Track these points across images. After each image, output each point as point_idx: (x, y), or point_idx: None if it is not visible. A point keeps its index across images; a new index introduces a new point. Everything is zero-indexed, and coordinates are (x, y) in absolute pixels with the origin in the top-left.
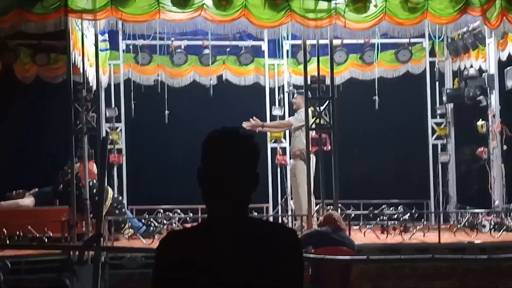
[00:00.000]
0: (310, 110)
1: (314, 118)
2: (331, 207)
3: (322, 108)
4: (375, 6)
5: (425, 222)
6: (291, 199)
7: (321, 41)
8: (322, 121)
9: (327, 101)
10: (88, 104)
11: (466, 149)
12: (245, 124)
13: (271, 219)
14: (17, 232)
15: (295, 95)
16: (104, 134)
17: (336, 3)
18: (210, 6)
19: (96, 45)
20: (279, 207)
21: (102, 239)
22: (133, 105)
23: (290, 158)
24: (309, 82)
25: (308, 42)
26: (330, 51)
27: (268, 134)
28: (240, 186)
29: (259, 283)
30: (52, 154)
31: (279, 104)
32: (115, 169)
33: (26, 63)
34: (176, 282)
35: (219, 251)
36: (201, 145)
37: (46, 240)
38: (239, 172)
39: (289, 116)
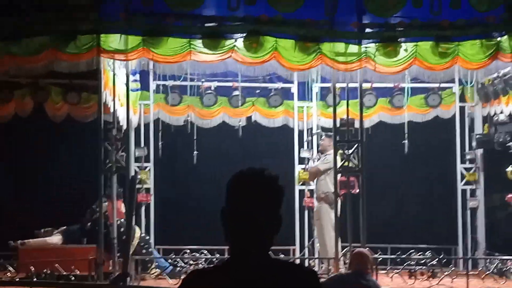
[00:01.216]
0: (338, 153)
1: (343, 161)
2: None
3: (350, 151)
4: (405, 50)
5: (453, 268)
6: (317, 242)
7: (351, 84)
8: (350, 164)
9: (356, 144)
10: (118, 144)
11: (495, 195)
12: None
13: (297, 261)
14: (44, 270)
15: (323, 137)
16: (133, 173)
17: (366, 47)
18: (241, 48)
19: (127, 85)
20: (306, 249)
21: (128, 278)
22: (160, 145)
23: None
24: (338, 125)
25: (338, 85)
26: (360, 94)
27: (296, 175)
28: (263, 226)
29: None
30: (81, 192)
31: (307, 146)
32: (143, 208)
33: (57, 102)
34: None
35: None
36: (226, 185)
37: (73, 278)
38: (263, 212)
39: (317, 157)
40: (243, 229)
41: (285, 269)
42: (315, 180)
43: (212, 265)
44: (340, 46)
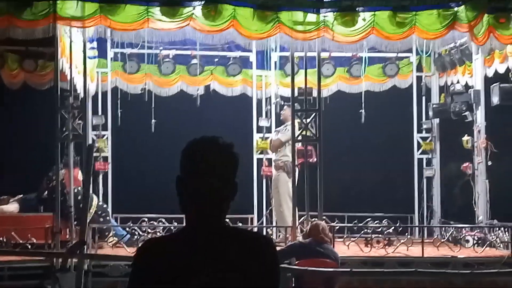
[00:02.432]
0: (296, 122)
1: (301, 130)
2: (316, 219)
3: (308, 120)
4: (364, 20)
5: (409, 236)
6: (274, 210)
7: (309, 54)
8: (308, 133)
9: (314, 114)
10: (75, 112)
11: (451, 164)
12: None
13: (255, 229)
14: (1, 238)
15: (284, 107)
16: (90, 141)
17: (324, 16)
18: (199, 16)
19: (84, 52)
20: (264, 218)
21: (85, 246)
22: (119, 113)
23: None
24: (296, 94)
25: (296, 54)
26: (318, 63)
27: (254, 144)
28: (218, 194)
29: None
30: (37, 160)
31: (266, 116)
32: (101, 177)
33: (13, 69)
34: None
35: (196, 258)
36: (181, 153)
37: (29, 246)
38: (218, 179)
39: (275, 127)
40: (198, 197)
41: (241, 236)
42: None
43: (168, 234)
44: (298, 15)
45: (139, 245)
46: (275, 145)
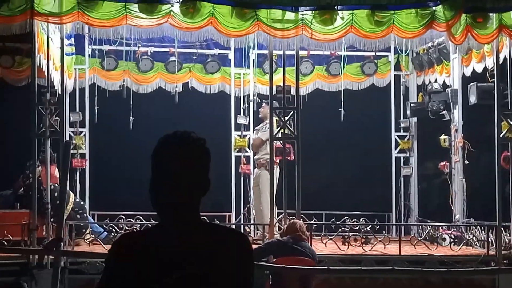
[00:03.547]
0: (275, 119)
1: (279, 128)
2: (294, 217)
3: (287, 118)
4: (342, 18)
5: (386, 234)
6: (253, 208)
7: (288, 52)
8: (286, 131)
9: (292, 111)
10: (52, 108)
11: (429, 163)
12: None
13: (233, 227)
14: None
15: (263, 105)
16: (67, 138)
17: (303, 14)
18: (178, 13)
19: (61, 49)
20: (242, 216)
21: (62, 243)
22: (96, 110)
23: (255, 167)
24: (274, 92)
25: (275, 52)
26: (296, 61)
27: (233, 142)
28: (190, 189)
29: (209, 285)
30: (13, 157)
31: (244, 113)
32: (78, 174)
33: None
34: (126, 283)
35: (170, 253)
36: (154, 148)
37: (5, 243)
38: (190, 175)
39: (254, 125)
40: (170, 192)
41: (217, 232)
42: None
43: (143, 229)
44: (277, 13)
45: (115, 240)
46: (256, 144)
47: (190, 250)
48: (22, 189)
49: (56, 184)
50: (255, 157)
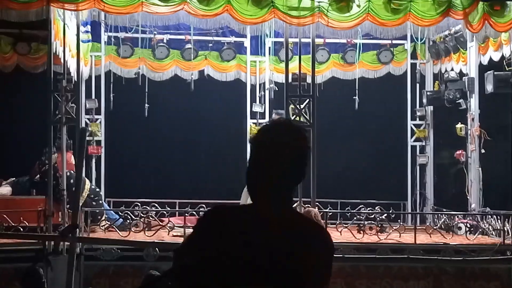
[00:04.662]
0: (290, 107)
1: (294, 115)
2: (309, 205)
3: (302, 106)
4: (358, 6)
5: (401, 223)
6: None
7: (303, 40)
8: (302, 119)
9: (308, 99)
10: (68, 95)
11: (445, 152)
12: None
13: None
14: None
15: (273, 115)
16: (83, 125)
17: (319, 2)
18: (193, 0)
19: (77, 36)
20: None
21: (78, 230)
22: (112, 98)
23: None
24: (290, 79)
25: (291, 40)
26: (312, 49)
27: (248, 130)
28: (286, 177)
29: (286, 271)
30: (30, 143)
31: (260, 101)
32: (94, 160)
33: (6, 51)
34: (203, 249)
35: (253, 235)
36: (255, 133)
37: (21, 229)
38: (287, 163)
39: (269, 113)
40: (266, 177)
41: (301, 222)
42: None
43: (236, 206)
44: (293, 1)
45: (207, 210)
46: None
47: (273, 236)
48: (38, 175)
49: (72, 171)
50: None
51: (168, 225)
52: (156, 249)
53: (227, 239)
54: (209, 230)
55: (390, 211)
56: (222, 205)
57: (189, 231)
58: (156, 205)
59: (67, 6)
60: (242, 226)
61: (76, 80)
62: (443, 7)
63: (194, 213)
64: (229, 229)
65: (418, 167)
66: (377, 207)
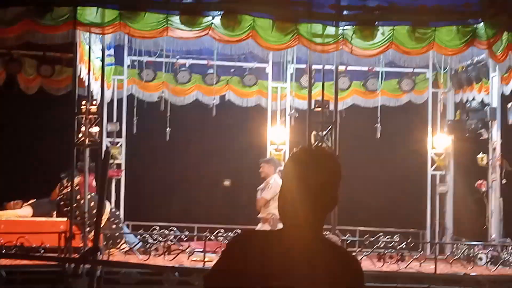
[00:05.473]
0: (312, 134)
1: (316, 142)
2: (329, 232)
3: (324, 132)
4: (382, 34)
5: (422, 252)
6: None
7: (326, 67)
8: (324, 146)
9: (330, 126)
10: (92, 118)
11: (465, 181)
12: None
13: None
14: (14, 242)
15: (261, 164)
16: (104, 148)
17: (343, 29)
18: (218, 25)
19: (102, 59)
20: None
21: (99, 253)
22: (135, 121)
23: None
24: (312, 106)
25: (313, 67)
26: (336, 76)
27: (268, 155)
28: (317, 203)
29: None
30: (51, 165)
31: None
32: (114, 183)
33: (30, 73)
34: (232, 274)
35: (283, 261)
36: (288, 159)
37: (42, 251)
38: (319, 189)
39: (289, 140)
40: (298, 203)
41: (332, 251)
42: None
43: (266, 230)
44: (317, 28)
45: (238, 233)
46: (261, 204)
47: (303, 263)
48: (59, 197)
49: (93, 194)
50: (259, 215)
51: (188, 249)
52: (176, 273)
53: (255, 265)
54: (238, 255)
55: (409, 240)
56: (251, 230)
57: (209, 256)
58: (175, 228)
59: (93, 30)
60: (271, 252)
61: (99, 103)
62: (467, 37)
63: (213, 238)
64: (258, 254)
65: (438, 196)
66: (396, 235)
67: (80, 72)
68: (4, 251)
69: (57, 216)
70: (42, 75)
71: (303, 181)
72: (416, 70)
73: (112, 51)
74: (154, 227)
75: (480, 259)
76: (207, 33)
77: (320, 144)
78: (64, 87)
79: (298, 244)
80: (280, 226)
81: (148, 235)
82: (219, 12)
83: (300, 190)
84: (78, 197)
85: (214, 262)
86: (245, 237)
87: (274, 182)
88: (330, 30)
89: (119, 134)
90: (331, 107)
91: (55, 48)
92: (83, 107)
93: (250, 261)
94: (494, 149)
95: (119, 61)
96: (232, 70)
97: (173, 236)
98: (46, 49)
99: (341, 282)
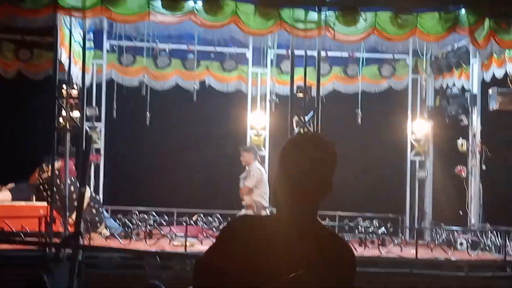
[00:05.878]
0: (294, 120)
1: (298, 127)
2: None
3: (307, 118)
4: (365, 20)
5: (402, 237)
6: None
7: (307, 52)
8: (306, 131)
9: (312, 112)
10: (72, 102)
11: (444, 167)
12: None
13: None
14: None
15: (241, 152)
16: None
17: (326, 15)
18: (201, 10)
19: (83, 43)
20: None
21: (80, 237)
22: (115, 106)
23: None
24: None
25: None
26: (318, 62)
27: (248, 141)
28: (312, 189)
29: (307, 284)
30: (29, 149)
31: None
32: (92, 168)
33: (8, 57)
34: (226, 259)
35: (277, 245)
36: (283, 146)
37: (23, 236)
38: (314, 176)
39: (269, 124)
40: (293, 190)
41: (326, 237)
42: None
43: (262, 215)
44: (300, 13)
45: (235, 217)
46: (244, 192)
47: (297, 247)
48: (38, 181)
49: (73, 178)
50: (243, 202)
51: (169, 234)
52: (157, 257)
53: (249, 249)
54: (232, 239)
55: (388, 225)
56: (246, 215)
57: (191, 240)
58: (154, 213)
59: (74, 13)
60: (266, 236)
61: (80, 87)
62: (449, 23)
63: (193, 223)
64: (252, 239)
65: (417, 182)
66: (375, 220)
67: (60, 56)
68: None
69: (36, 200)
70: (20, 59)
71: (300, 168)
72: (397, 56)
73: (91, 36)
74: (133, 211)
75: (461, 244)
76: (190, 18)
77: (301, 130)
78: (43, 71)
79: (293, 229)
80: (264, 212)
81: (127, 220)
82: None
83: (297, 177)
84: (58, 181)
85: (208, 246)
86: (239, 222)
87: (255, 170)
88: (313, 15)
89: (98, 119)
90: (314, 93)
91: (33, 31)
92: (63, 91)
93: (245, 246)
94: (474, 135)
95: (98, 45)
96: (212, 55)
97: (152, 221)
98: (24, 33)
99: (336, 266)
